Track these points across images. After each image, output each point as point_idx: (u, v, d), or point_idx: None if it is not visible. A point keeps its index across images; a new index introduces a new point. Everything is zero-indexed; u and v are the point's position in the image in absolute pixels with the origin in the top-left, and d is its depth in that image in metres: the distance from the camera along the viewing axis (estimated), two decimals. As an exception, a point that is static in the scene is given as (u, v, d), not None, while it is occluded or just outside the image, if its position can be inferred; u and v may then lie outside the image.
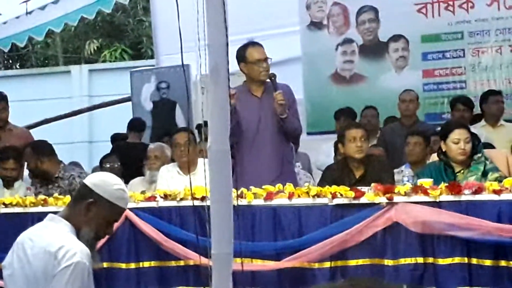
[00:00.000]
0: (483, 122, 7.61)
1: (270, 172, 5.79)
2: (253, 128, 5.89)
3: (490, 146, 6.49)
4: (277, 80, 5.94)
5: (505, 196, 4.57)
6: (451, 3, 8.62)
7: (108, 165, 7.39)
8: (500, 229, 4.49)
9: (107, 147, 8.75)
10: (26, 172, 7.04)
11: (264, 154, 5.89)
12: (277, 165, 5.88)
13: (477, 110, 7.73)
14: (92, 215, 3.39)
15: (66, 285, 3.20)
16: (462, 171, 5.43)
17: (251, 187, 5.17)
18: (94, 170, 7.93)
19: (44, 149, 6.62)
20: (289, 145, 6.17)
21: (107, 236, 3.76)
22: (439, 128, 6.88)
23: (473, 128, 6.93)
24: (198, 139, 6.87)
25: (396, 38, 8.85)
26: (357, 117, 7.96)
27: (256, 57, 5.86)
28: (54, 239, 3.29)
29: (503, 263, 4.55)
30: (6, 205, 5.62)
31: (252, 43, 6.05)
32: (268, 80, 5.87)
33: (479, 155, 5.48)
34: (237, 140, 5.85)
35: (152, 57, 12.27)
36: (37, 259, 3.28)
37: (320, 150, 7.81)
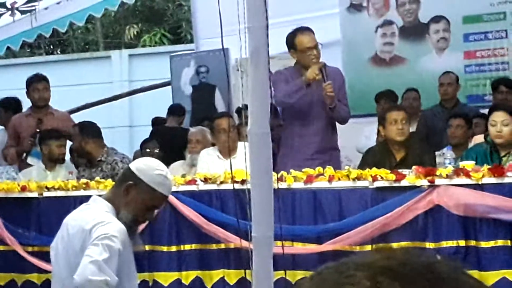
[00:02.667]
0: None
1: (313, 159, 5.76)
2: (303, 113, 5.88)
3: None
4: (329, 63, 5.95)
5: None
6: (493, -17, 8.48)
7: (148, 150, 7.43)
8: (543, 212, 4.44)
9: (147, 132, 8.79)
10: (67, 157, 7.11)
11: (311, 139, 5.88)
12: (323, 152, 5.87)
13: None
14: (131, 198, 3.44)
15: (93, 254, 3.25)
16: (507, 154, 5.37)
17: (291, 170, 5.17)
18: (135, 154, 7.98)
19: (91, 130, 6.68)
20: (336, 132, 6.15)
21: (147, 222, 3.80)
22: (481, 110, 6.82)
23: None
24: (238, 123, 6.88)
25: (437, 19, 8.73)
26: (398, 99, 7.89)
27: (305, 44, 5.82)
28: (92, 218, 3.38)
29: (546, 245, 4.50)
30: (48, 189, 5.69)
31: (301, 29, 5.96)
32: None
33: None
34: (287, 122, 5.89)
35: (191, 41, 12.27)
36: (76, 237, 3.36)
37: (360, 133, 7.76)
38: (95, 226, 3.33)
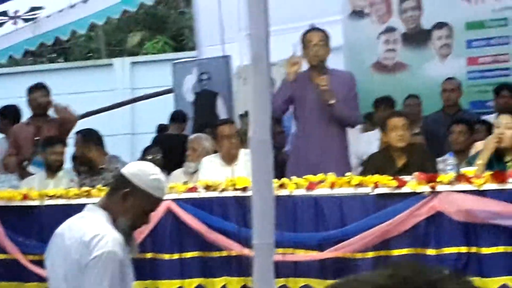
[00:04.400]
0: None
1: (324, 161, 5.77)
2: (313, 116, 5.92)
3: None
4: (337, 68, 6.02)
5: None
6: (495, -11, 8.48)
7: (150, 157, 7.43)
8: (545, 218, 4.42)
9: (150, 139, 8.79)
10: (69, 165, 7.11)
11: (320, 142, 5.90)
12: (330, 155, 5.88)
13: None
14: (129, 205, 3.41)
15: (96, 276, 3.24)
16: (510, 159, 5.35)
17: (292, 177, 5.16)
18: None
19: (93, 137, 6.67)
20: (345, 133, 6.15)
21: (144, 226, 3.77)
22: (483, 117, 6.81)
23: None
24: (239, 129, 6.87)
25: (439, 25, 8.73)
26: (395, 105, 7.89)
27: (312, 41, 5.98)
28: (89, 228, 3.33)
29: (549, 252, 4.49)
30: (50, 197, 5.69)
31: (314, 28, 6.21)
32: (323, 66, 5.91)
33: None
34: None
35: (193, 48, 12.27)
36: (73, 249, 3.32)
37: (361, 139, 7.75)
38: (93, 238, 3.29)
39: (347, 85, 5.99)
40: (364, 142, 7.63)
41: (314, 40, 5.96)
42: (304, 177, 5.14)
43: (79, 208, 4.75)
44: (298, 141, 6.05)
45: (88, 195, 5.55)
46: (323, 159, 5.82)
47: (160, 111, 10.18)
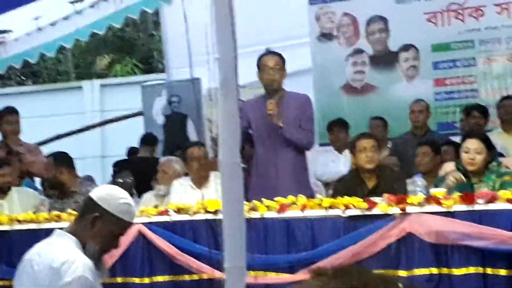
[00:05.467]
0: (499, 129, 7.60)
1: (283, 185, 5.79)
2: (269, 139, 5.93)
3: (501, 155, 6.45)
4: (294, 91, 6.02)
5: (518, 205, 4.55)
6: (461, 11, 8.59)
7: (121, 180, 7.40)
8: (514, 238, 4.47)
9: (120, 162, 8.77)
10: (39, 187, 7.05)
11: (276, 165, 5.92)
12: (291, 178, 5.90)
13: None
14: (98, 230, 3.38)
15: None
16: (479, 182, 5.40)
17: (263, 199, 5.17)
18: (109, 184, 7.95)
19: (65, 160, 6.64)
20: (303, 156, 6.18)
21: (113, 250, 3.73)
22: (451, 138, 6.89)
23: (492, 136, 6.91)
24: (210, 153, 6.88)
25: (406, 47, 8.83)
26: (349, 127, 7.96)
27: (268, 64, 5.98)
28: (58, 254, 3.29)
29: (518, 272, 4.53)
30: (20, 222, 5.64)
31: (270, 52, 6.20)
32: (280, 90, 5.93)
33: (494, 163, 5.46)
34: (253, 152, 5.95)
35: (163, 71, 12.29)
36: (43, 275, 3.28)
37: (318, 161, 7.77)
38: (63, 264, 3.25)
39: (302, 107, 6.03)
40: (320, 164, 7.67)
41: (270, 64, 5.99)
42: (275, 199, 5.16)
43: (49, 232, 4.71)
44: (258, 164, 6.06)
45: (58, 219, 5.51)
46: (281, 182, 5.85)
47: (130, 134, 10.16)
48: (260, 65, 6.03)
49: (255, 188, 5.89)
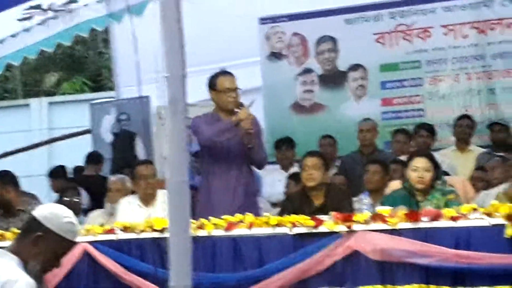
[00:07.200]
0: (453, 146, 7.73)
1: (233, 203, 5.79)
2: (230, 155, 5.92)
3: (446, 173, 6.55)
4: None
5: (462, 223, 4.61)
6: (408, 32, 8.73)
7: (67, 199, 7.34)
8: (457, 256, 4.53)
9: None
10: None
11: (229, 184, 5.90)
12: (241, 197, 5.89)
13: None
14: (40, 249, 3.33)
15: None
16: (425, 200, 5.47)
17: (210, 217, 5.16)
18: (56, 203, 7.86)
19: (10, 178, 6.56)
20: (254, 176, 6.21)
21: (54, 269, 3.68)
22: (401, 157, 6.97)
23: (440, 155, 7.02)
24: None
25: (355, 67, 8.93)
26: (295, 145, 8.02)
27: (225, 86, 5.94)
28: (0, 274, 3.24)
29: (461, 289, 4.59)
30: (-38, 241, 5.54)
31: (223, 72, 6.13)
32: (236, 110, 5.91)
33: (439, 182, 5.54)
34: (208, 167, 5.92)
35: (112, 89, 12.22)
36: None
37: (265, 181, 7.80)
38: (5, 284, 3.19)
39: (256, 127, 6.04)
40: (267, 185, 7.70)
41: (226, 85, 5.95)
42: (223, 217, 5.16)
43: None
44: (209, 183, 6.01)
45: (2, 238, 5.43)
46: (233, 200, 5.84)
47: (78, 152, 10.08)
48: (216, 86, 5.97)
49: (204, 206, 5.87)
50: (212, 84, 5.99)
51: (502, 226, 4.50)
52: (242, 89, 6.05)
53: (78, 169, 9.41)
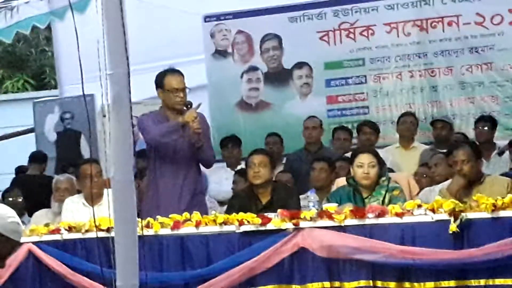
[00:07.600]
0: (397, 143, 7.81)
1: (180, 203, 5.75)
2: (176, 155, 5.86)
3: (390, 170, 6.62)
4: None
5: (407, 219, 4.67)
6: (352, 30, 8.79)
7: (10, 199, 7.22)
8: (403, 251, 4.59)
9: (10, 180, 8.57)
10: None
11: (176, 183, 5.86)
12: (188, 196, 5.86)
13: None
14: None
15: None
16: (369, 196, 5.52)
17: (157, 216, 5.13)
18: (-1, 203, 7.74)
19: None
20: (201, 175, 6.18)
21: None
22: (346, 154, 7.02)
23: (384, 152, 7.10)
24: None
25: (300, 65, 8.96)
26: (241, 143, 8.03)
27: (173, 85, 5.84)
28: None
29: (407, 285, 4.65)
30: None
31: (171, 71, 6.00)
32: (184, 108, 5.84)
33: (383, 178, 5.59)
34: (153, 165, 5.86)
35: (55, 87, 12.09)
36: None
37: (211, 179, 7.79)
38: None
39: (204, 125, 6.00)
40: (214, 183, 7.70)
41: (175, 85, 5.86)
42: (170, 216, 5.13)
43: None
44: (156, 182, 5.95)
45: None
46: (178, 199, 5.80)
47: (21, 151, 9.94)
48: (164, 85, 5.86)
49: (151, 205, 5.83)
50: (159, 83, 5.90)
51: (446, 222, 4.56)
52: (190, 88, 5.98)
53: (19, 170, 9.30)
